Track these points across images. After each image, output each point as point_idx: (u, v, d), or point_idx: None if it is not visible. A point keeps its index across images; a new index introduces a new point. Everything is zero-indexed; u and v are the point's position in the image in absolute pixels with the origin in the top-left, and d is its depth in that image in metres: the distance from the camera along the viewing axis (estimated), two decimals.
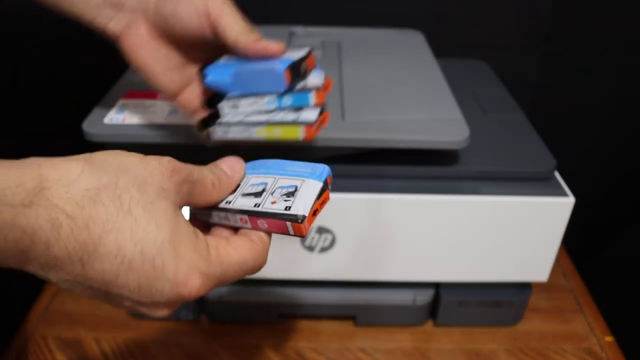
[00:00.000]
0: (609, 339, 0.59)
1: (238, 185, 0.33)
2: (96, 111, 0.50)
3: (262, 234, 0.32)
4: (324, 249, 0.52)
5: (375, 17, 0.75)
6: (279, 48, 0.36)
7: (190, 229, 0.28)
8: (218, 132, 0.38)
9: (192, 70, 0.40)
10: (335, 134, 0.47)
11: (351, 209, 0.49)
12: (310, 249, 0.52)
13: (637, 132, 0.66)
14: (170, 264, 0.26)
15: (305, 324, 0.60)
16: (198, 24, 0.36)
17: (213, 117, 0.38)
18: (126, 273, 0.25)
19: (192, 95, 0.40)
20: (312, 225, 0.50)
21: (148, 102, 0.51)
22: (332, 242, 0.51)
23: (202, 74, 0.38)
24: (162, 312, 0.28)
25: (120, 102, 0.51)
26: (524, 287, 0.58)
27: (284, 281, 0.56)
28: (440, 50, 0.65)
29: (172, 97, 0.40)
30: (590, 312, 0.62)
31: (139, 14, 0.38)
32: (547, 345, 0.58)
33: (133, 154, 0.28)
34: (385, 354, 0.57)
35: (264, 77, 0.36)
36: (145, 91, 0.52)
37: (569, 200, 0.48)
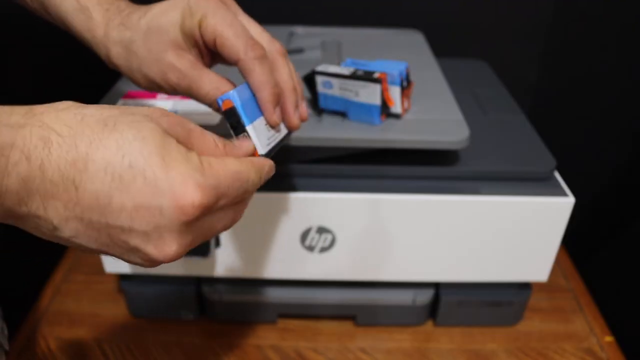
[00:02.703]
0: (608, 338, 0.59)
1: None
2: None
3: (250, 155, 0.32)
4: (324, 249, 0.52)
5: (375, 17, 0.75)
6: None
7: (181, 147, 0.27)
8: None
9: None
10: (336, 134, 0.47)
11: (351, 209, 0.49)
12: (310, 249, 0.52)
13: (637, 132, 0.66)
14: (162, 175, 0.25)
15: (305, 324, 0.60)
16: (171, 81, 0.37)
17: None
18: (119, 191, 0.25)
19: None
20: (312, 224, 0.50)
21: (148, 101, 0.51)
22: (332, 242, 0.51)
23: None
24: (172, 247, 0.26)
25: (120, 102, 0.51)
26: (524, 287, 0.58)
27: (284, 281, 0.56)
28: (440, 50, 0.65)
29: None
30: (590, 312, 0.62)
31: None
32: (547, 345, 0.58)
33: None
34: (385, 354, 0.57)
35: None
36: (145, 91, 0.52)
37: (569, 200, 0.48)
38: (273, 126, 0.36)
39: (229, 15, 0.35)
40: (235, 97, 0.33)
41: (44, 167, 0.24)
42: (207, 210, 0.27)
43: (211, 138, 0.30)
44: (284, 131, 0.38)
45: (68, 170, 0.24)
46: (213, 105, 0.36)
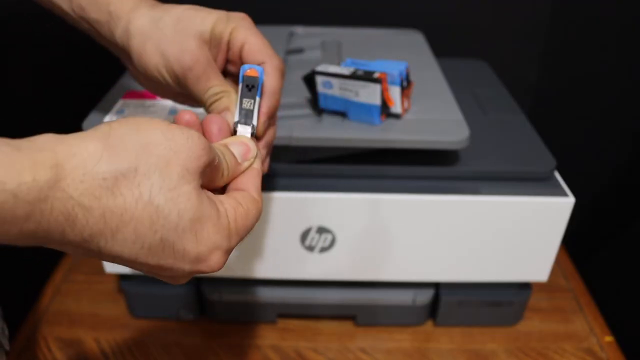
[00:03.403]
0: (608, 338, 0.59)
1: None
2: (96, 111, 0.50)
3: (259, 193, 0.32)
4: (324, 249, 0.52)
5: (375, 17, 0.75)
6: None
7: (214, 209, 0.27)
8: None
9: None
10: (336, 134, 0.47)
11: (351, 209, 0.49)
12: (310, 249, 0.52)
13: (637, 132, 0.66)
14: (192, 248, 0.26)
15: (305, 324, 0.60)
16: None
17: None
18: (146, 256, 0.25)
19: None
20: (312, 224, 0.50)
21: (148, 102, 0.51)
22: (332, 242, 0.51)
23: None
24: (181, 281, 0.29)
25: (120, 102, 0.51)
26: (524, 287, 0.58)
27: (284, 281, 0.56)
28: (440, 50, 0.65)
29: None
30: (590, 312, 0.62)
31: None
32: (547, 345, 0.58)
33: (156, 124, 0.26)
34: (385, 354, 0.57)
35: None
36: (146, 91, 0.52)
37: (569, 200, 0.48)
38: (257, 135, 0.36)
39: (258, 32, 0.37)
40: (261, 72, 0.35)
41: (64, 234, 0.23)
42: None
43: (222, 169, 0.30)
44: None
45: (93, 237, 0.24)
46: (208, 100, 0.36)
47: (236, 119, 0.34)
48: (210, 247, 0.27)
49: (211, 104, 0.36)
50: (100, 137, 0.24)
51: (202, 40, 0.36)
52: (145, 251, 0.25)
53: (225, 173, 0.31)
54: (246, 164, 0.32)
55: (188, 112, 0.31)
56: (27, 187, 0.21)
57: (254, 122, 0.34)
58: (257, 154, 0.33)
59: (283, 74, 0.37)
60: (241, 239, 0.29)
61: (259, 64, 0.36)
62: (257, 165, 0.33)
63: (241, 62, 0.37)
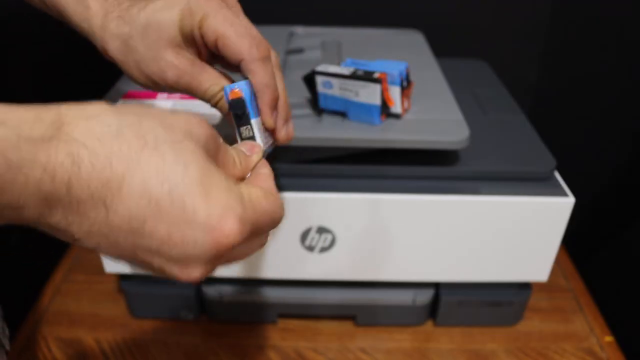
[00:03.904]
0: (608, 338, 0.59)
1: None
2: None
3: (275, 191, 0.31)
4: (324, 249, 0.52)
5: (375, 17, 0.75)
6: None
7: (222, 174, 0.25)
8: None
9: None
10: (336, 134, 0.47)
11: (351, 209, 0.49)
12: (310, 249, 0.52)
13: (637, 132, 0.66)
14: (202, 205, 0.23)
15: (305, 324, 0.60)
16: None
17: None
18: (154, 217, 0.23)
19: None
20: (312, 224, 0.50)
21: (148, 101, 0.51)
22: (332, 242, 0.51)
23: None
24: (196, 273, 0.25)
25: (120, 102, 0.51)
26: (524, 287, 0.58)
27: (284, 281, 0.56)
28: (440, 50, 0.65)
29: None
30: (590, 312, 0.62)
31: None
32: (547, 345, 0.58)
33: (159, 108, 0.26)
34: (385, 354, 0.57)
35: None
36: (146, 91, 0.52)
37: (569, 200, 0.48)
38: (268, 128, 0.36)
39: (230, 15, 0.34)
40: (244, 88, 0.34)
41: (71, 184, 0.22)
42: (240, 244, 0.26)
43: (232, 155, 0.30)
44: (271, 140, 0.37)
45: (99, 190, 0.22)
46: (212, 100, 0.36)
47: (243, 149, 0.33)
48: (223, 207, 0.24)
49: (215, 104, 0.36)
50: (102, 103, 0.24)
51: (176, 46, 0.34)
52: (153, 209, 0.23)
53: (237, 161, 0.30)
54: (255, 157, 0.32)
55: None
56: (29, 127, 0.21)
57: (260, 141, 0.34)
58: (263, 154, 0.33)
59: (270, 59, 0.34)
60: (258, 216, 0.26)
61: (237, 62, 0.34)
62: (267, 170, 0.31)
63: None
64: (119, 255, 0.25)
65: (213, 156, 0.27)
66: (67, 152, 0.22)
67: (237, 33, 0.33)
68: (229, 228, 0.24)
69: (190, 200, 0.23)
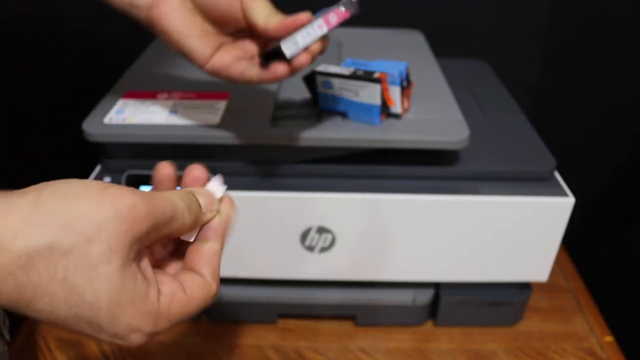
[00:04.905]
0: (608, 338, 0.59)
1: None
2: (96, 111, 0.50)
3: (214, 276, 0.30)
4: (324, 249, 0.52)
5: (375, 17, 0.75)
6: (306, 17, 0.37)
7: (140, 292, 0.26)
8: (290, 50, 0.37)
9: (224, 38, 0.40)
10: (336, 134, 0.47)
11: (351, 209, 0.49)
12: (310, 249, 0.52)
13: (637, 132, 0.66)
14: (108, 327, 0.26)
15: (305, 324, 0.60)
16: (228, 4, 0.38)
17: (276, 53, 0.37)
18: (64, 323, 0.25)
19: (226, 59, 0.39)
20: (312, 224, 0.50)
21: (148, 102, 0.51)
22: (332, 242, 0.51)
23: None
24: (136, 340, 0.27)
25: (121, 102, 0.51)
26: (524, 287, 0.58)
27: (284, 281, 0.56)
28: (440, 50, 0.65)
29: (201, 62, 0.39)
30: (590, 312, 0.62)
31: None
32: (547, 345, 0.58)
33: (92, 191, 0.25)
34: (385, 354, 0.57)
35: None
36: (146, 91, 0.52)
37: (569, 200, 0.48)
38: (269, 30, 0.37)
39: None
40: None
41: None
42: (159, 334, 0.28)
43: (180, 220, 0.29)
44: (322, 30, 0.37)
45: (11, 303, 0.24)
46: (262, 27, 0.37)
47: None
48: (128, 329, 0.26)
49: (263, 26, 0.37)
50: (27, 206, 0.24)
51: None
52: (62, 320, 0.25)
53: (188, 220, 0.29)
54: (209, 215, 0.31)
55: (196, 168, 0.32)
56: None
57: (223, 188, 0.33)
58: (219, 228, 0.32)
59: None
60: (172, 324, 0.28)
61: None
62: (217, 246, 0.31)
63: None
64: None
65: (158, 235, 0.27)
66: None
67: None
68: (134, 341, 0.27)
69: (97, 321, 0.25)
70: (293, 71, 0.37)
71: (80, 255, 0.24)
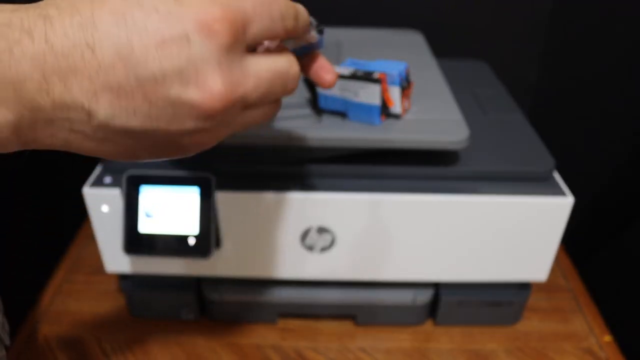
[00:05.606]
0: (608, 338, 0.59)
1: None
2: None
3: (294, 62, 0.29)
4: (324, 249, 0.52)
5: (375, 17, 0.75)
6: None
7: None
8: None
9: None
10: (336, 134, 0.47)
11: (351, 209, 0.49)
12: (310, 249, 0.52)
13: (637, 132, 0.66)
14: (174, 7, 0.23)
15: (305, 324, 0.60)
16: None
17: None
18: (138, 34, 0.22)
19: None
20: (312, 224, 0.50)
21: None
22: (332, 242, 0.51)
23: None
24: (215, 80, 0.24)
25: None
26: (524, 287, 0.58)
27: (284, 281, 0.56)
28: (440, 50, 0.66)
29: None
30: (590, 312, 0.62)
31: None
32: (547, 345, 0.58)
33: None
34: (385, 353, 0.57)
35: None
36: None
37: (568, 200, 0.49)
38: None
39: None
40: None
41: (50, 39, 0.22)
42: (238, 29, 0.24)
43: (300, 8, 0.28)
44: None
45: (77, 34, 0.22)
46: None
47: None
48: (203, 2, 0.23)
49: None
50: None
51: None
52: (132, 27, 0.22)
53: (300, 17, 0.28)
54: (314, 34, 0.31)
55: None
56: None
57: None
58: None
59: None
60: (246, 9, 0.25)
61: None
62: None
63: None
64: (137, 114, 0.24)
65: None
66: (37, 14, 0.22)
67: None
68: (212, 8, 0.23)
69: (162, 4, 0.23)
70: None
71: None
